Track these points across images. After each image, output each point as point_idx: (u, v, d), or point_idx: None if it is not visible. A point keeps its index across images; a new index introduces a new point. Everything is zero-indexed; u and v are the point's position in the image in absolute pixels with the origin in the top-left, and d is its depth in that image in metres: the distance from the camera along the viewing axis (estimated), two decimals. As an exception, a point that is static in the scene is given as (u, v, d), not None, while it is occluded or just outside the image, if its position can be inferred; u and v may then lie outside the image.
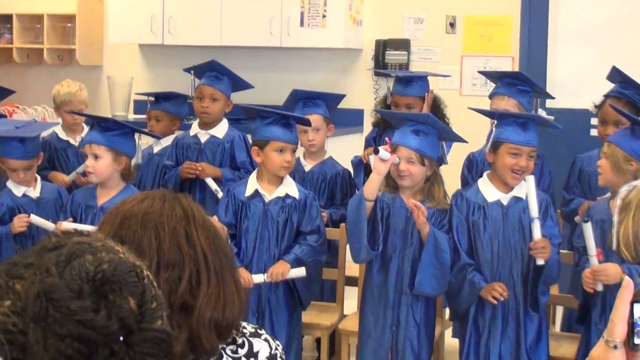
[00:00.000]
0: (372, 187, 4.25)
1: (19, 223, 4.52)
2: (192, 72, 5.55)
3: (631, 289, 1.48)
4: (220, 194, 5.07)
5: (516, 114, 4.45)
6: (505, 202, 4.28)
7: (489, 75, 5.84)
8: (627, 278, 1.52)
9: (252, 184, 4.52)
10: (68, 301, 1.15)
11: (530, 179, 4.16)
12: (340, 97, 5.58)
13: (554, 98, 5.78)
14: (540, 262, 4.13)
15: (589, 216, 4.14)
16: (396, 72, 6.19)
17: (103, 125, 4.56)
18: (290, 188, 4.53)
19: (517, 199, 4.27)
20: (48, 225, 4.50)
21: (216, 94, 5.33)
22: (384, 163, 4.17)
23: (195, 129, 5.41)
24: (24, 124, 5.02)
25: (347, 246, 4.97)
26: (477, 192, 4.34)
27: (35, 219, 4.53)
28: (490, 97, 5.27)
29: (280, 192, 4.50)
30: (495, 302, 4.18)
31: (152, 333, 1.21)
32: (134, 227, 1.92)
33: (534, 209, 4.13)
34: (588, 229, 3.96)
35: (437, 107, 5.37)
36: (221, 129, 5.38)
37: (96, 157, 4.49)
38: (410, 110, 5.33)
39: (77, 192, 4.73)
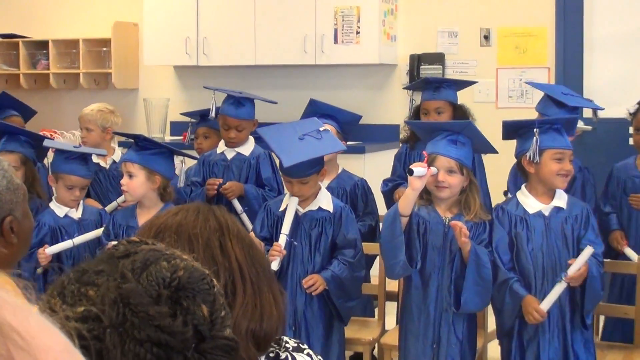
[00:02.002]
0: (407, 203, 4.15)
1: (40, 258, 4.50)
2: (214, 94, 5.54)
3: None
4: (244, 216, 5.12)
5: (552, 120, 4.39)
6: (546, 213, 4.23)
7: (533, 84, 5.81)
8: None
9: (286, 198, 4.51)
10: (147, 306, 1.15)
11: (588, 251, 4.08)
12: (356, 118, 5.58)
13: (603, 109, 5.66)
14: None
15: None
16: (425, 77, 6.14)
17: (139, 144, 4.59)
18: (324, 202, 4.50)
19: (558, 209, 4.23)
20: (66, 244, 4.52)
21: (241, 125, 5.33)
22: (420, 179, 4.09)
23: (222, 146, 5.43)
24: (78, 146, 5.08)
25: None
26: (517, 204, 4.29)
27: (51, 249, 4.52)
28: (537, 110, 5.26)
29: (313, 206, 4.47)
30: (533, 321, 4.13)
31: (222, 341, 1.21)
32: (167, 239, 1.91)
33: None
34: None
35: (466, 119, 5.35)
36: (248, 147, 5.41)
37: (130, 175, 4.52)
38: (439, 115, 5.35)
39: (117, 213, 4.75)
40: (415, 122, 5.25)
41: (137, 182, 4.51)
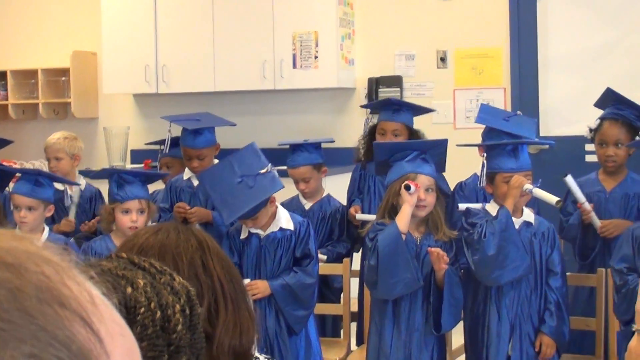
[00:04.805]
0: (406, 219, 4.19)
1: None
2: (169, 125, 5.54)
3: None
4: None
5: (503, 143, 4.46)
6: (517, 226, 4.27)
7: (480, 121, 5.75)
8: None
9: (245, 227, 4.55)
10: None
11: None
12: (325, 142, 5.60)
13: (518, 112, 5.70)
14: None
15: (636, 236, 4.22)
16: (388, 98, 6.17)
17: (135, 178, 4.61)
18: (283, 221, 4.53)
19: (527, 224, 4.31)
20: None
21: (201, 154, 5.30)
22: (412, 195, 4.17)
23: (188, 173, 5.42)
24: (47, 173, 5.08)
25: (352, 281, 5.02)
26: (487, 214, 4.33)
27: None
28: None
29: (274, 227, 4.50)
30: None
31: None
32: (152, 259, 1.94)
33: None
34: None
35: None
36: None
37: (142, 211, 4.55)
38: (396, 137, 5.38)
39: (94, 243, 4.66)
40: (387, 142, 5.17)
41: (144, 217, 4.55)
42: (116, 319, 0.70)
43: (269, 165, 4.46)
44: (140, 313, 1.27)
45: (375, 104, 5.96)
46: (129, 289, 1.29)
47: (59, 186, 5.73)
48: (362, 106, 7.21)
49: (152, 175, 4.99)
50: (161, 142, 5.98)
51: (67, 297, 0.65)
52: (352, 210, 5.41)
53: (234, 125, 5.94)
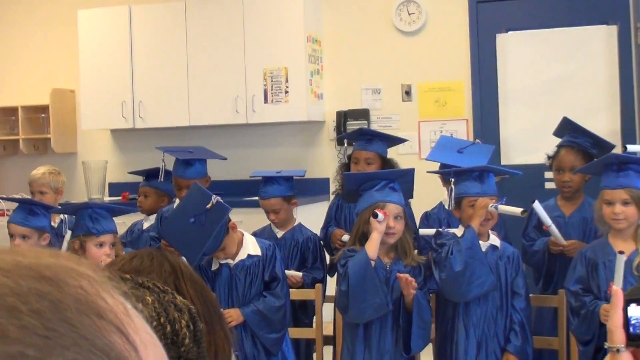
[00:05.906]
0: (375, 246, 4.27)
1: None
2: (163, 155, 5.63)
3: (621, 297, 1.57)
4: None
5: (471, 168, 4.55)
6: (484, 249, 4.39)
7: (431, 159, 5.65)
8: (615, 288, 1.66)
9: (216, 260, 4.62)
10: None
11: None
12: (297, 175, 5.67)
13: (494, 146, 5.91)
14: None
15: (588, 257, 4.39)
16: (360, 128, 6.23)
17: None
18: (250, 248, 4.62)
19: (494, 247, 4.45)
20: None
21: (191, 184, 5.17)
22: (381, 223, 4.27)
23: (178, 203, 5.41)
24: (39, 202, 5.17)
25: (324, 305, 5.11)
26: (455, 236, 4.41)
27: None
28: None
29: (242, 254, 4.59)
30: None
31: None
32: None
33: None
34: (620, 262, 4.05)
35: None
36: None
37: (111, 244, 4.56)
38: (369, 165, 5.46)
39: None
40: (356, 173, 5.27)
41: (114, 251, 4.57)
42: (148, 330, 0.74)
43: (213, 196, 4.46)
44: (152, 327, 1.44)
45: (349, 135, 6.03)
46: (140, 306, 1.45)
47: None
48: (339, 137, 7.33)
49: (123, 209, 5.04)
50: (142, 173, 6.07)
51: (104, 309, 0.68)
52: (337, 231, 5.48)
53: (225, 159, 6.07)
